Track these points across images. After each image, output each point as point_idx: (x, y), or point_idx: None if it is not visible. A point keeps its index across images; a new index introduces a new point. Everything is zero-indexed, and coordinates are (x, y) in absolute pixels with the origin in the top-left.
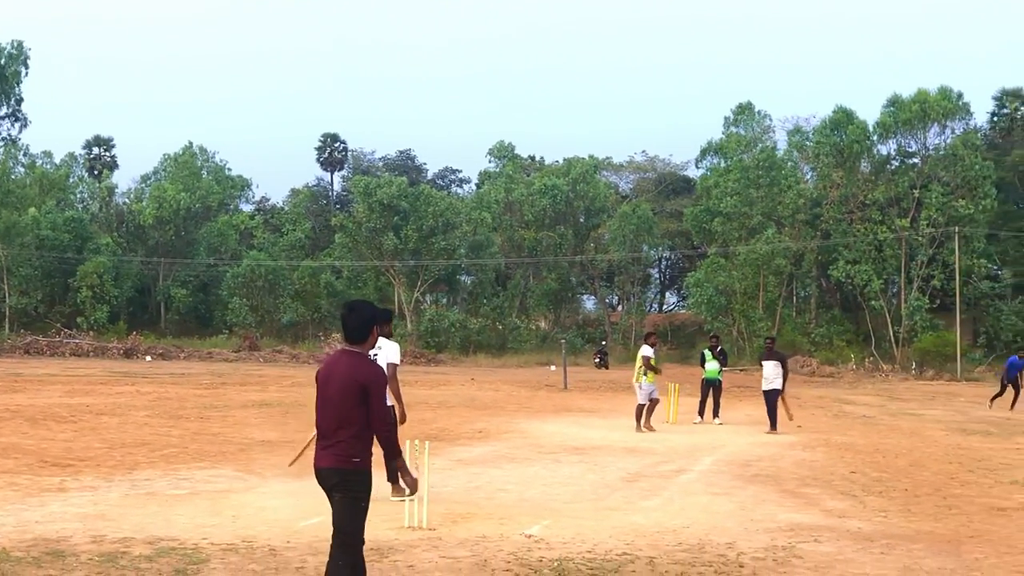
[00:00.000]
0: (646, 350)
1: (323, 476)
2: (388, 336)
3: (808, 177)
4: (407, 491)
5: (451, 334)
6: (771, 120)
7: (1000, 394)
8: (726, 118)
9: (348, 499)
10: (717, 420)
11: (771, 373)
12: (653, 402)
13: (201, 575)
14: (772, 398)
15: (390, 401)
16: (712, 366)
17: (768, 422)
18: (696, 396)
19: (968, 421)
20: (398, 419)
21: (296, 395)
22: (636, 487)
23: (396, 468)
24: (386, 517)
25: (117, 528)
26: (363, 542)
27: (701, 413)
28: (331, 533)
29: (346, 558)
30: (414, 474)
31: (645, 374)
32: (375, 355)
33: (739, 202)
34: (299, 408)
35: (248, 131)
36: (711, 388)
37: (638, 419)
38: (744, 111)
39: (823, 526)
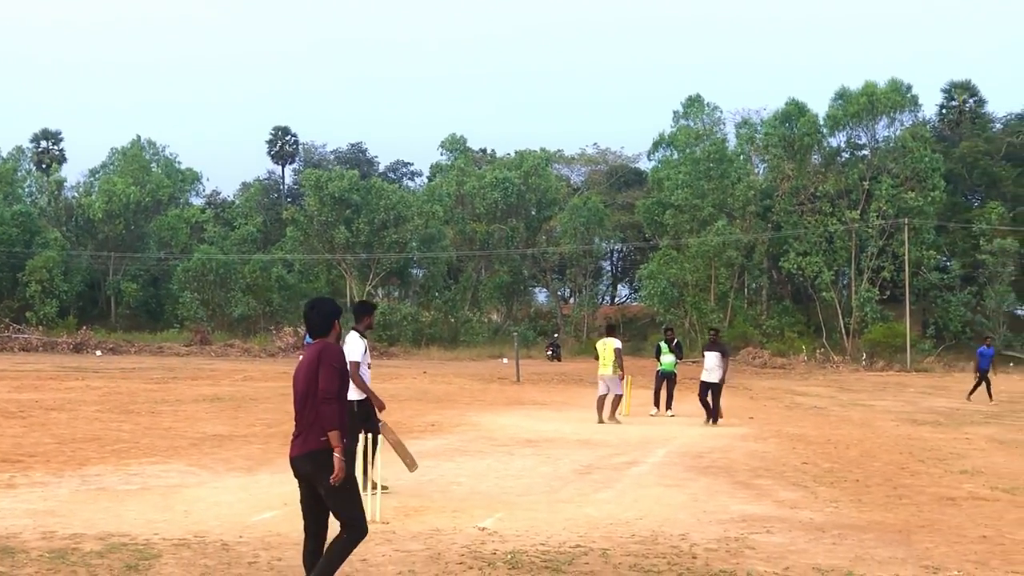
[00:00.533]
0: (617, 342)
1: (298, 466)
2: (369, 328)
3: (759, 170)
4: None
5: (403, 327)
6: (721, 112)
7: (977, 386)
8: (675, 111)
9: (331, 484)
10: (670, 412)
11: (712, 364)
12: (618, 397)
13: (153, 570)
14: (708, 389)
15: (358, 395)
16: (668, 359)
17: (712, 415)
18: (649, 388)
19: (918, 411)
20: (376, 408)
21: (248, 389)
22: (589, 479)
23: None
24: None
25: (67, 524)
26: (366, 526)
27: (657, 404)
28: (285, 528)
29: (352, 535)
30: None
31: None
32: (368, 354)
33: (690, 194)
34: (251, 403)
35: (198, 124)
36: (665, 380)
37: (600, 410)
38: (694, 104)
39: (775, 517)
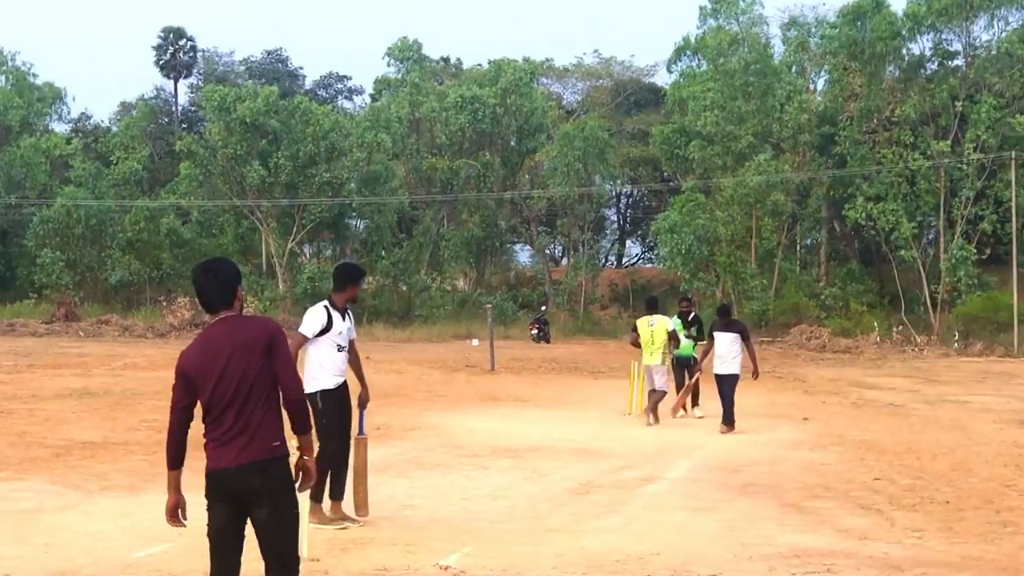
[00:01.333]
0: (670, 322)
1: (234, 481)
2: (354, 301)
3: (815, 86)
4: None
5: None
6: (763, 8)
7: None
8: (701, 7)
9: (278, 504)
10: (697, 411)
11: (726, 351)
12: (662, 394)
13: None
14: (730, 386)
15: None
16: (684, 340)
17: (723, 416)
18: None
19: None
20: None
21: (129, 380)
22: (588, 501)
23: (310, 467)
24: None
25: None
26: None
27: (682, 404)
28: (179, 568)
29: None
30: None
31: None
32: (339, 332)
33: (723, 118)
34: (134, 399)
35: (61, 26)
36: (685, 370)
37: (652, 409)
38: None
39: (838, 551)
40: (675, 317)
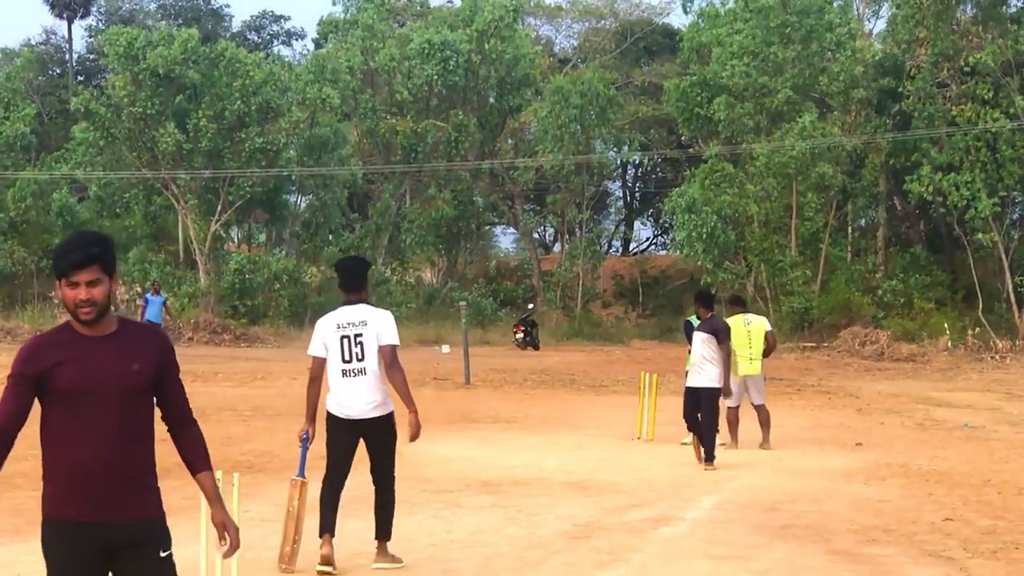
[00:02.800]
0: (767, 322)
1: (99, 536)
2: (364, 300)
3: (871, 28)
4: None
5: (274, 293)
6: None
7: None
8: None
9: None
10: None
11: (701, 356)
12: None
13: None
14: (710, 404)
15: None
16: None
17: (705, 452)
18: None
19: None
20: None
21: None
22: (588, 547)
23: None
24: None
25: None
26: None
27: (691, 427)
28: None
29: None
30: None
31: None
32: (358, 336)
33: (757, 68)
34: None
35: None
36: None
37: (733, 430)
38: None
39: None
40: (692, 318)
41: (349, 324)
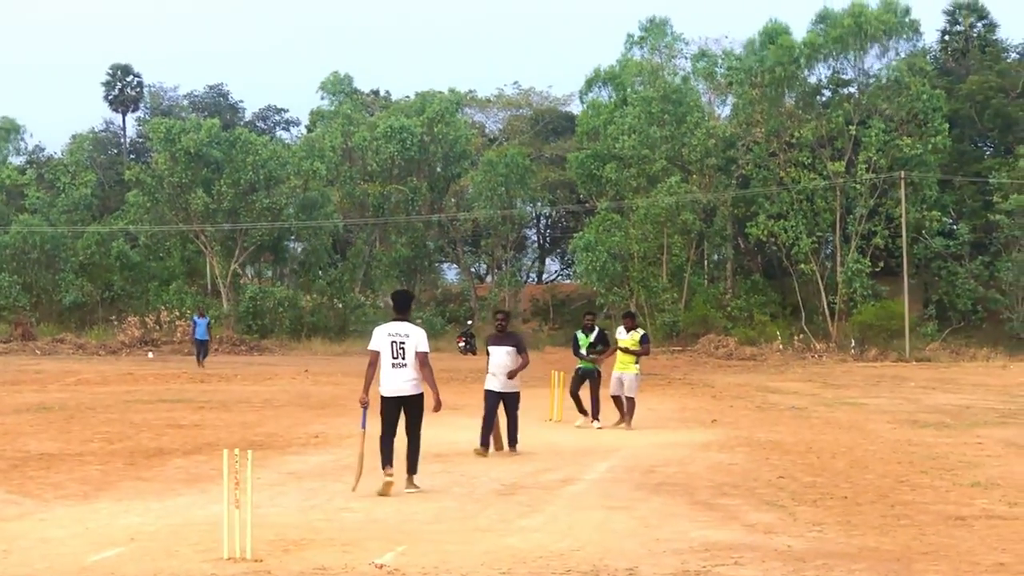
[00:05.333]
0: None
1: None
2: (407, 319)
3: (721, 112)
4: None
5: (278, 315)
6: (685, 44)
7: None
8: (629, 35)
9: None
10: (596, 423)
11: (500, 365)
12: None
13: None
14: (514, 406)
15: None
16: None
17: (509, 439)
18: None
19: (920, 411)
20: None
21: (83, 396)
22: (513, 502)
23: None
24: (200, 546)
25: None
26: None
27: (582, 411)
28: (132, 571)
29: None
30: None
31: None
32: (402, 343)
33: (640, 143)
34: (87, 412)
35: (15, 62)
36: (587, 380)
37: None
38: (656, 29)
39: (745, 544)
40: (579, 332)
41: (397, 334)
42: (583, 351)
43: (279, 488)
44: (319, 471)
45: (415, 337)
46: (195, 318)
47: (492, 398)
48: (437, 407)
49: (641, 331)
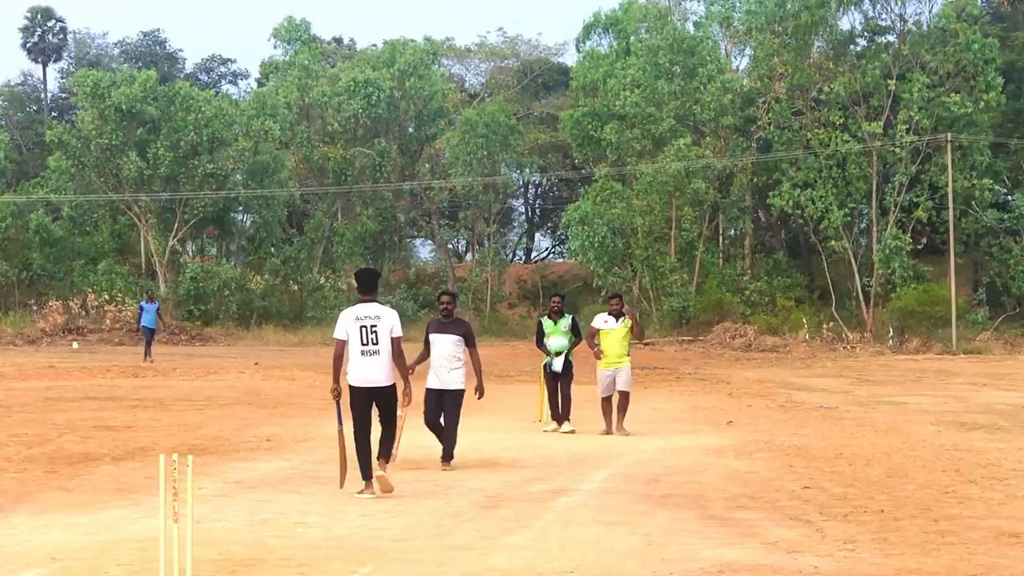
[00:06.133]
0: (597, 320)
1: None
2: (375, 299)
3: (738, 65)
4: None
5: (224, 299)
6: None
7: None
8: None
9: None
10: (567, 426)
11: (444, 357)
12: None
13: None
14: (454, 406)
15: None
16: (557, 343)
17: (444, 449)
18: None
19: (968, 411)
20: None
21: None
22: (497, 516)
23: None
24: (132, 567)
25: None
26: None
27: (554, 416)
28: None
29: None
30: None
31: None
32: (373, 327)
33: (644, 99)
34: (0, 412)
35: None
36: (557, 378)
37: (604, 416)
38: None
39: (765, 565)
40: (544, 319)
41: (367, 316)
42: (550, 341)
43: (224, 500)
44: (271, 480)
45: (387, 319)
46: (143, 303)
47: (434, 399)
48: (407, 401)
49: (626, 318)
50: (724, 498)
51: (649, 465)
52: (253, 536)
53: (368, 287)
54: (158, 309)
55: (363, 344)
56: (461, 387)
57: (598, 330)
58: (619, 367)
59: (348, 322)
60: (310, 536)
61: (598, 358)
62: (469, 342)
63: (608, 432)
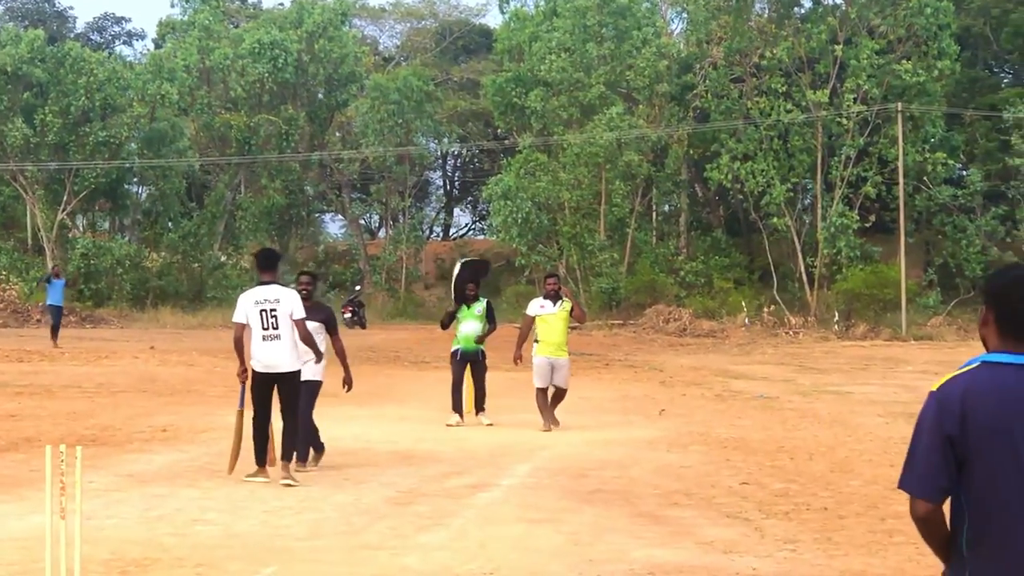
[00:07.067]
0: (532, 306)
1: None
2: (276, 281)
3: (674, 28)
4: None
5: (117, 277)
6: None
7: None
8: None
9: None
10: (483, 418)
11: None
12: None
13: None
14: (307, 398)
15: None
16: (470, 328)
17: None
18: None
19: (918, 401)
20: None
21: None
22: (410, 513)
23: None
24: (16, 567)
25: None
26: None
27: (457, 408)
28: None
29: None
30: None
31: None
32: (273, 310)
33: (572, 64)
34: None
35: None
36: (469, 365)
37: (541, 411)
38: None
39: (700, 566)
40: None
41: (266, 300)
42: (463, 327)
43: (117, 494)
44: (167, 473)
45: (287, 302)
46: (49, 278)
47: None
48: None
49: (566, 300)
50: (656, 494)
51: (576, 459)
52: (147, 534)
53: (268, 266)
54: (65, 285)
55: (264, 329)
56: (319, 378)
57: (534, 317)
58: (558, 357)
59: (248, 305)
60: (209, 534)
61: (516, 362)
62: (330, 329)
63: (548, 429)
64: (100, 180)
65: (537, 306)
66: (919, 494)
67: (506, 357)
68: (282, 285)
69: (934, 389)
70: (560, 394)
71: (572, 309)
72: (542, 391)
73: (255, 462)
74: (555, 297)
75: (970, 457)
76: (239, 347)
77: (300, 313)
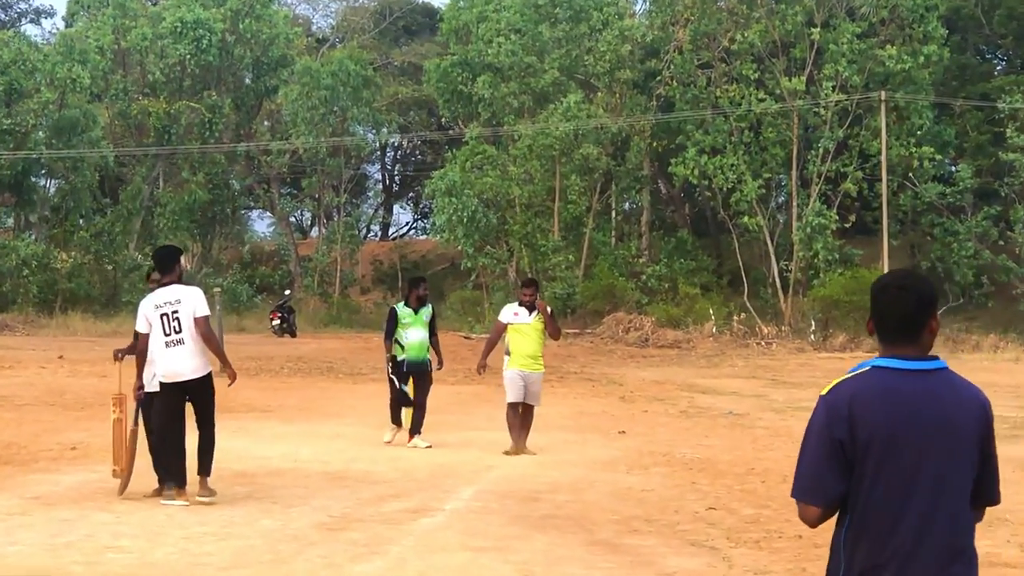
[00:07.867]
0: (505, 313)
1: None
2: (176, 281)
3: (637, 9)
4: None
5: (23, 279)
6: None
7: None
8: None
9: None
10: (421, 440)
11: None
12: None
13: None
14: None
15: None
16: (416, 336)
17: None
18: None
19: None
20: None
21: None
22: (344, 540)
23: None
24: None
25: None
26: None
27: (396, 420)
28: None
29: None
30: None
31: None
32: (175, 312)
33: (522, 48)
34: None
35: None
36: (412, 378)
37: (511, 429)
38: None
39: None
40: (400, 305)
41: (166, 303)
42: (408, 334)
43: (21, 518)
44: (77, 495)
45: (189, 302)
46: None
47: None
48: (232, 377)
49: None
50: (614, 520)
51: (526, 481)
52: (54, 562)
53: (165, 267)
54: None
55: (166, 334)
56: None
57: (506, 325)
58: (532, 371)
59: (148, 311)
60: (122, 563)
61: (480, 371)
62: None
63: (516, 452)
64: (4, 172)
65: (511, 313)
66: (812, 501)
67: (450, 368)
68: (186, 284)
69: (824, 393)
70: (528, 413)
71: (546, 323)
72: (513, 407)
73: (174, 483)
74: (531, 307)
75: (857, 460)
76: (140, 360)
77: (204, 310)
